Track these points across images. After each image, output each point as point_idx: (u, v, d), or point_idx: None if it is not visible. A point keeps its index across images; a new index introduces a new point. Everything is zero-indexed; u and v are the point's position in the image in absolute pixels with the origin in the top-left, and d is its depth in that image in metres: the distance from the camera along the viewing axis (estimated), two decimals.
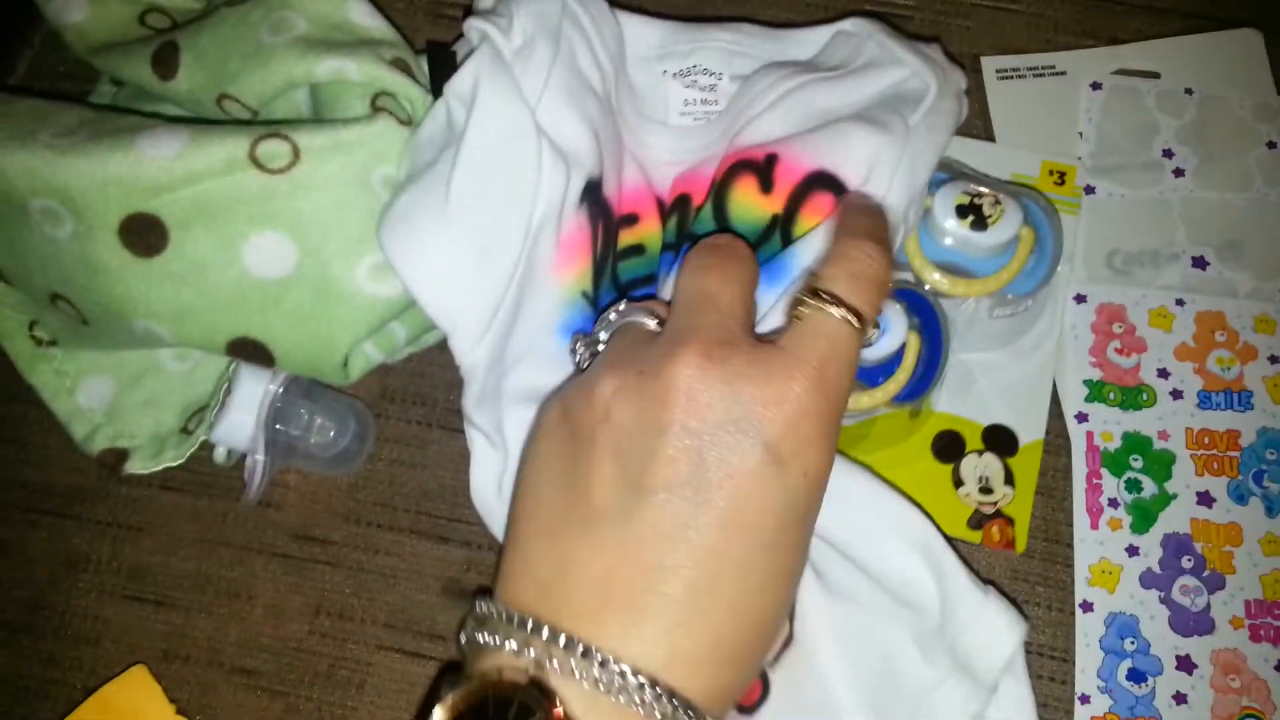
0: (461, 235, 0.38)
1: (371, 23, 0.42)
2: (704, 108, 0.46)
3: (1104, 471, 0.44)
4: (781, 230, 0.40)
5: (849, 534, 0.38)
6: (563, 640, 0.27)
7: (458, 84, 0.39)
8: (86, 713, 0.43)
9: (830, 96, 0.41)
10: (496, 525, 0.39)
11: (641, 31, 0.46)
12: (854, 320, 0.31)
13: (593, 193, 0.41)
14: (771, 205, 0.40)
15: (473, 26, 0.40)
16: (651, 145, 0.45)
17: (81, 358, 0.47)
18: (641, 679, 0.27)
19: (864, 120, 0.40)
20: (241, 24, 0.42)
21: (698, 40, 0.46)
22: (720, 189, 0.41)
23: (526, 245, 0.38)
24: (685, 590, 0.28)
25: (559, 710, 0.26)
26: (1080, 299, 0.46)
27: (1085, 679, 0.41)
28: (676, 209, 0.43)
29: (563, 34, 0.41)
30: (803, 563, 0.31)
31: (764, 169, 0.40)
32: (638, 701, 0.27)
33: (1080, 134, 0.48)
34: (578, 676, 0.27)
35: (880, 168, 0.39)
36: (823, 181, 0.39)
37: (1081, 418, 0.45)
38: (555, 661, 0.27)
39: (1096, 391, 0.45)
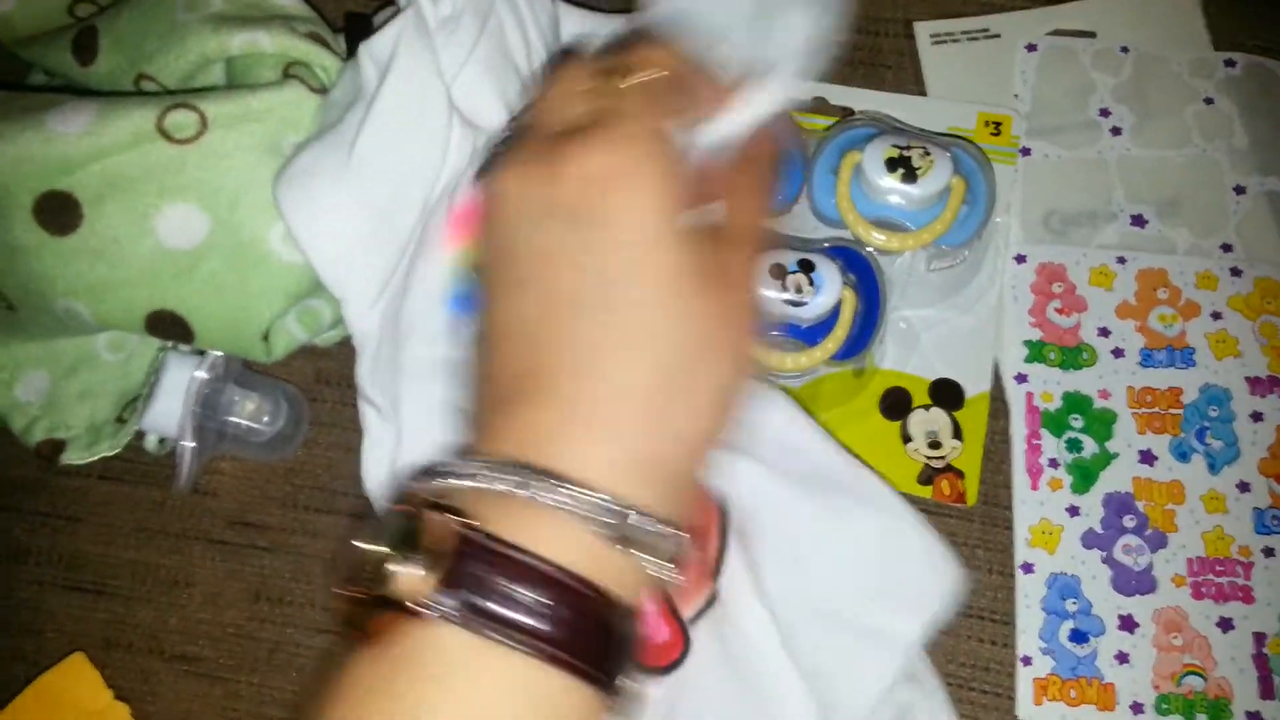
0: (360, 198, 0.37)
1: (287, 0, 0.42)
2: None
3: (1044, 432, 0.43)
4: None
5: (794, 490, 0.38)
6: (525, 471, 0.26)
7: (376, 46, 0.38)
8: (25, 702, 0.43)
9: None
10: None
11: (577, 19, 0.46)
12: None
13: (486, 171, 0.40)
14: None
15: None
16: None
17: (18, 351, 0.47)
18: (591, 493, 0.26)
19: None
20: (158, 4, 0.42)
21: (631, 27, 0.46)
22: None
23: (423, 216, 0.38)
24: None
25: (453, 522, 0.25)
26: (1020, 259, 0.45)
27: (1027, 640, 0.41)
28: None
29: (494, 11, 0.41)
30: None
31: None
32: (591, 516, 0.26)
33: (1016, 96, 0.48)
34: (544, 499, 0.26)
35: None
36: None
37: (1021, 378, 0.44)
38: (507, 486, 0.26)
39: (1036, 352, 0.44)
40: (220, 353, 0.44)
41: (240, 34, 0.39)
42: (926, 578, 0.38)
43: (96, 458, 0.46)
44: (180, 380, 0.43)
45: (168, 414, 0.43)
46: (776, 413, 0.40)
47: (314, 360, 0.47)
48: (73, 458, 0.46)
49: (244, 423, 0.45)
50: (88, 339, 0.46)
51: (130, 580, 0.46)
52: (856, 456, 0.40)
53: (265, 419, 0.45)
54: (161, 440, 0.46)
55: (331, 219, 0.37)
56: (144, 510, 0.46)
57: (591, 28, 0.45)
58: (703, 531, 0.38)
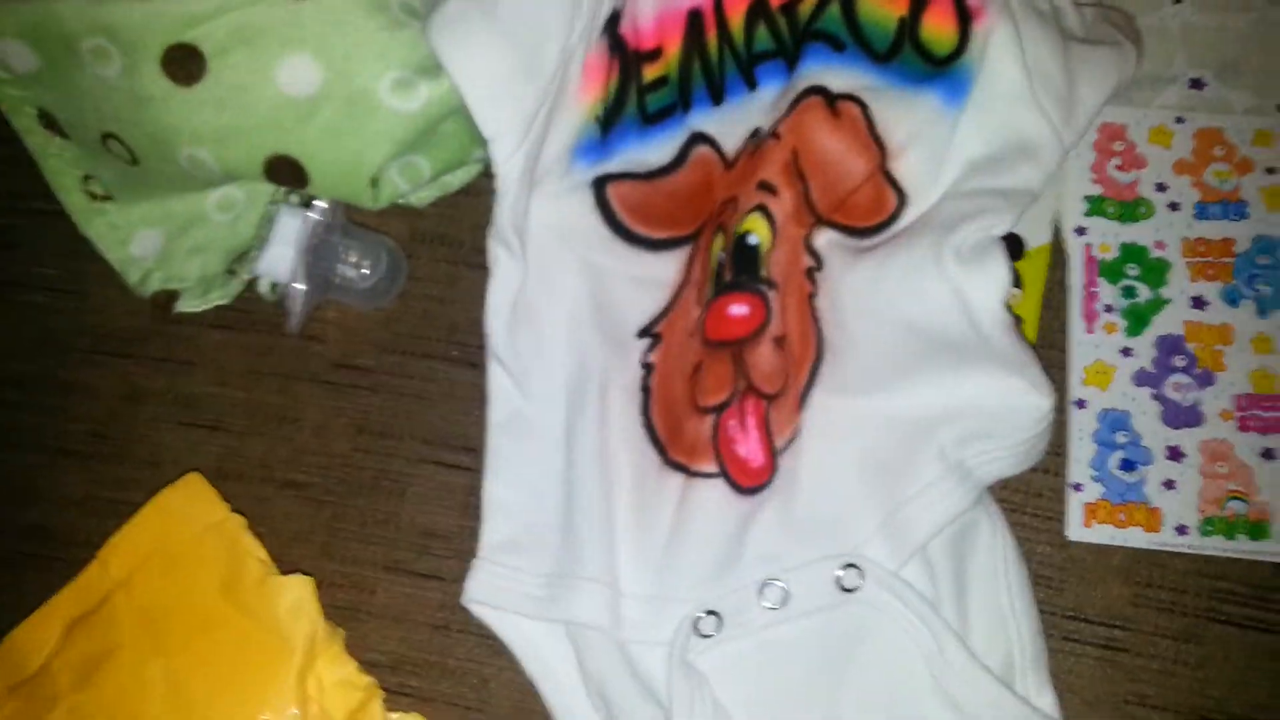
0: (508, 39, 0.41)
1: None
2: None
3: (1100, 280, 0.46)
4: (909, 34, 0.43)
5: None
6: None
7: None
8: (147, 517, 0.46)
9: None
10: (502, 348, 0.43)
11: None
12: None
13: (613, 24, 0.43)
14: (896, 8, 0.43)
15: None
16: None
17: (133, 212, 0.50)
18: None
19: None
20: None
21: None
22: None
23: (561, 63, 0.41)
24: None
25: None
26: None
27: (1078, 469, 0.44)
28: (694, 31, 0.46)
29: None
30: None
31: None
32: None
33: None
34: None
35: (993, 1, 0.42)
36: None
37: (1080, 231, 0.46)
38: None
39: (1096, 206, 0.46)
40: (328, 204, 0.47)
41: None
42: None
43: (209, 306, 0.50)
44: (293, 228, 0.46)
45: (281, 259, 0.46)
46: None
47: (410, 220, 0.50)
48: (188, 306, 0.50)
49: (348, 271, 0.48)
50: (199, 198, 0.50)
51: (242, 416, 0.50)
52: None
53: (366, 269, 0.48)
54: (274, 285, 0.49)
55: (484, 59, 0.41)
56: (254, 354, 0.50)
57: None
58: (797, 364, 0.41)
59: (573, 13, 0.43)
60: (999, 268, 0.41)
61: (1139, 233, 0.46)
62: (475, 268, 0.50)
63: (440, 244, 0.51)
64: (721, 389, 0.41)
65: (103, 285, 0.52)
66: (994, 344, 0.40)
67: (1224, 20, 0.48)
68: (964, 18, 0.43)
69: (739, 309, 0.42)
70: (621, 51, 0.45)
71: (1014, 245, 0.46)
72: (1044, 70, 0.43)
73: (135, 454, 0.50)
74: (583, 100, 0.44)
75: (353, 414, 0.49)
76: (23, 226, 0.53)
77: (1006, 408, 0.40)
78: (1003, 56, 0.42)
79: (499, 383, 0.44)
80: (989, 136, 0.43)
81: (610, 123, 0.44)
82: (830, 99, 0.43)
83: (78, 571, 0.46)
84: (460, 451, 0.48)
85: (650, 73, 0.45)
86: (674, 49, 0.46)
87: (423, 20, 0.43)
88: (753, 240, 0.43)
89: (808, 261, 0.43)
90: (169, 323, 0.51)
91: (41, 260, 0.53)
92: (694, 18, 0.46)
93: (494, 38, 0.42)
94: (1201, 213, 0.46)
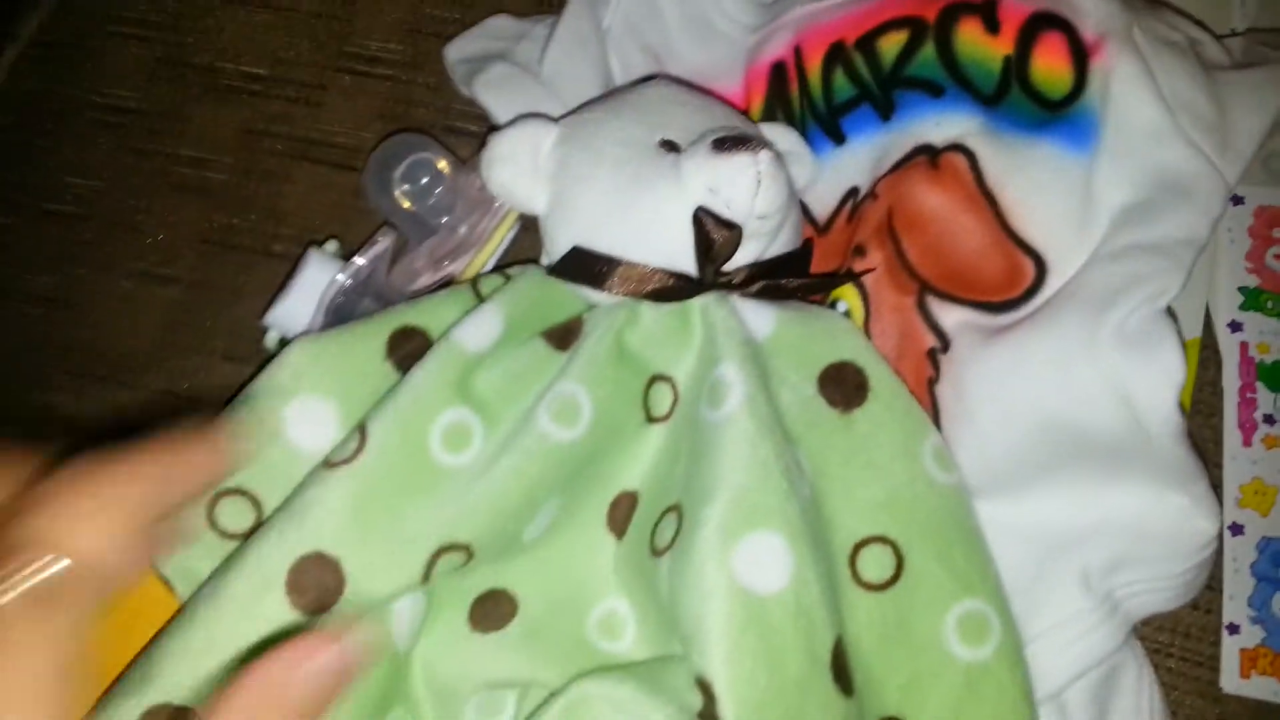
0: (551, 96, 0.40)
1: None
2: None
3: (1259, 385, 0.40)
4: (1016, 74, 0.39)
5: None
6: None
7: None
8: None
9: None
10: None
11: None
12: None
13: None
14: (1001, 46, 0.39)
15: None
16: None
17: None
18: None
19: None
20: None
21: None
22: (942, 30, 0.39)
23: None
24: None
25: None
26: (1237, 200, 0.42)
27: (1234, 607, 0.37)
28: (777, 85, 0.42)
29: None
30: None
31: (987, 10, 0.39)
32: None
33: (1233, 30, 0.44)
34: None
35: (1113, 36, 0.38)
36: (1050, 21, 0.38)
37: (1235, 327, 0.40)
38: None
39: (1253, 300, 0.41)
40: (365, 262, 0.40)
41: None
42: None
43: None
44: (318, 282, 0.39)
45: (296, 314, 0.40)
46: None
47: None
48: None
49: None
50: None
51: None
52: None
53: None
54: (283, 340, 0.43)
55: (528, 106, 0.39)
56: None
57: None
58: None
59: (605, 86, 0.42)
60: (1172, 354, 0.34)
61: None
62: None
63: None
64: None
65: (102, 299, 0.46)
66: (1159, 451, 0.34)
67: None
68: (1079, 55, 0.38)
69: None
70: None
71: None
72: (1185, 100, 0.37)
73: None
74: None
75: None
76: (15, 226, 0.47)
77: (1165, 530, 0.34)
78: (1132, 92, 0.37)
79: None
80: (1133, 181, 0.37)
81: None
82: (934, 154, 0.38)
83: None
84: None
85: None
86: (758, 107, 0.42)
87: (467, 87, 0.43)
88: (840, 308, 0.38)
89: (930, 341, 0.37)
90: (174, 352, 0.45)
91: (33, 266, 0.47)
92: (777, 70, 0.41)
93: (536, 87, 0.42)
94: None
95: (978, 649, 0.31)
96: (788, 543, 0.29)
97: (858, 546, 0.32)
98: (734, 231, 0.32)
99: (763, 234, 0.33)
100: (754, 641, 0.28)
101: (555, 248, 0.36)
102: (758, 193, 0.32)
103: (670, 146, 0.34)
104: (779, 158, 0.33)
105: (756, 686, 0.28)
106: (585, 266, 0.34)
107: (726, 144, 0.32)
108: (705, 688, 0.28)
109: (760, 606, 0.29)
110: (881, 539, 0.32)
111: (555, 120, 0.37)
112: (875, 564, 0.32)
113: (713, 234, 0.32)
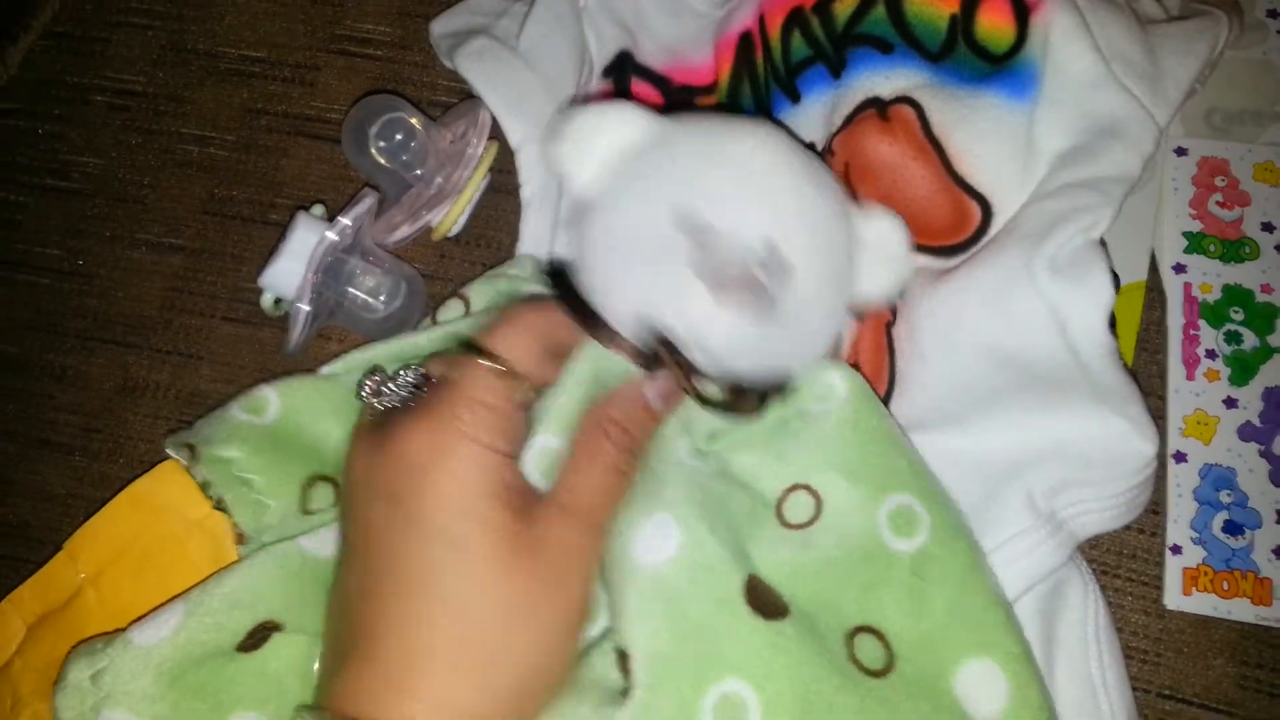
0: (528, 68, 0.44)
1: None
2: None
3: (1202, 323, 0.41)
4: (962, 31, 0.40)
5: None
6: None
7: None
8: (119, 508, 0.39)
9: None
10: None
11: None
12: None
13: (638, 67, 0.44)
14: (947, 5, 0.40)
15: None
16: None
17: None
18: None
19: None
20: None
21: None
22: None
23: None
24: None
25: None
26: (1181, 151, 0.44)
27: (1177, 530, 0.39)
28: (744, 53, 0.43)
29: None
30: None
31: None
32: None
33: None
34: None
35: None
36: None
37: (1179, 268, 0.42)
38: None
39: (1196, 243, 0.43)
40: (350, 221, 0.42)
41: None
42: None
43: None
44: (308, 242, 0.42)
45: (289, 274, 0.42)
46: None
47: (439, 246, 0.47)
48: None
49: (362, 297, 0.44)
50: None
51: None
52: None
53: (383, 297, 0.44)
54: (278, 301, 0.45)
55: (505, 75, 0.44)
56: (267, 352, 0.46)
57: None
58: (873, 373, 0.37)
59: (581, 60, 0.44)
60: (1101, 280, 0.36)
61: (1243, 274, 0.42)
62: None
63: (477, 246, 0.47)
64: None
65: (109, 269, 0.49)
66: (1094, 375, 0.36)
67: None
68: (1021, 11, 0.40)
69: None
70: (664, 88, 0.43)
71: None
72: (1120, 50, 0.39)
73: (127, 451, 0.46)
74: None
75: None
76: (26, 204, 0.50)
77: (1105, 452, 0.36)
78: (1070, 44, 0.39)
79: None
80: (1071, 126, 0.39)
81: None
82: (882, 107, 0.40)
83: None
84: None
85: (704, 105, 0.43)
86: (725, 76, 0.44)
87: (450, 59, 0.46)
88: None
89: None
90: (178, 313, 0.47)
91: (44, 240, 0.50)
92: (744, 40, 0.44)
93: (514, 59, 0.45)
94: None
95: (912, 539, 0.33)
96: (675, 519, 0.31)
97: (780, 501, 0.34)
98: (684, 368, 0.32)
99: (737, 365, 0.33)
100: (656, 604, 0.30)
101: (574, 246, 0.35)
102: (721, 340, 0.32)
103: (692, 226, 0.32)
104: (771, 303, 0.32)
105: (659, 639, 0.30)
106: (576, 308, 0.34)
107: (716, 280, 0.31)
108: (624, 660, 0.30)
109: (656, 573, 0.31)
110: (806, 487, 0.34)
111: (648, 116, 0.35)
112: (799, 508, 0.34)
113: (665, 361, 0.32)
